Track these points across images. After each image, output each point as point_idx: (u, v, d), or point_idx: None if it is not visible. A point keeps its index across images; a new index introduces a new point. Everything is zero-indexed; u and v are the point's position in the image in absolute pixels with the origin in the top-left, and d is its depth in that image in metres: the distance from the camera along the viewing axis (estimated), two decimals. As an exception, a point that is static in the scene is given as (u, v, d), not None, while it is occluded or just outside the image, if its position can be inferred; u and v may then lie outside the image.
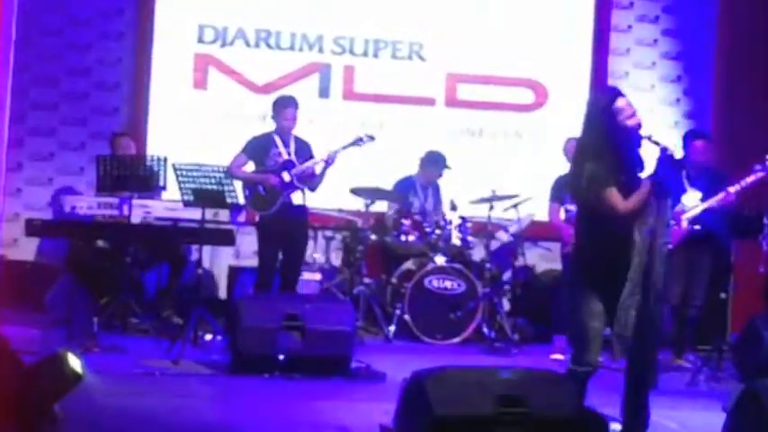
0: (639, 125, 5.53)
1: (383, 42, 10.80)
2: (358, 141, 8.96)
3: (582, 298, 5.54)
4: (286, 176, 8.74)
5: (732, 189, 8.30)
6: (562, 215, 9.24)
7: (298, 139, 8.93)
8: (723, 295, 8.73)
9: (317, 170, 8.83)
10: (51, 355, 5.15)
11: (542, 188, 9.45)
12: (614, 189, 5.45)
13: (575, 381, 5.50)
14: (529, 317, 9.92)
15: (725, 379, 8.01)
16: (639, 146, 5.59)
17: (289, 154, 8.82)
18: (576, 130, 9.58)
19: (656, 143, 5.51)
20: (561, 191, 9.19)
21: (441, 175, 10.08)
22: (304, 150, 8.91)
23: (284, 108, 8.84)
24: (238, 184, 8.59)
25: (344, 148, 8.86)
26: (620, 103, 5.54)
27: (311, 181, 8.84)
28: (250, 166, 8.88)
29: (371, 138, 9.04)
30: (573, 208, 9.07)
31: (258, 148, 8.85)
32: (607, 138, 5.51)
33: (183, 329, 8.05)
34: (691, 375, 8.01)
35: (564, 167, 9.32)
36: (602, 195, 5.44)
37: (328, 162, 8.77)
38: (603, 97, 5.64)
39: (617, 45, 11.08)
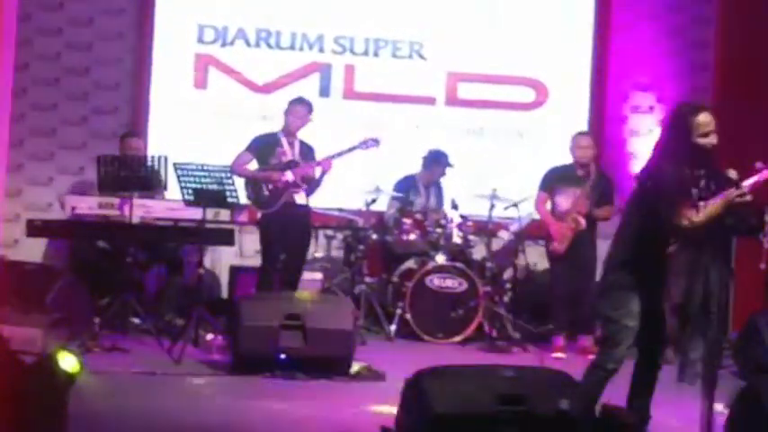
0: (714, 145, 5.49)
1: (383, 41, 10.80)
2: (362, 145, 8.97)
3: (621, 299, 5.55)
4: (289, 175, 8.77)
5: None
6: (548, 206, 9.27)
7: (302, 143, 8.98)
8: (724, 293, 8.72)
9: (317, 173, 8.87)
10: (45, 356, 5.15)
11: (544, 187, 9.44)
12: (687, 201, 5.44)
13: (599, 378, 5.54)
14: (529, 315, 9.91)
15: (725, 376, 8.01)
16: (708, 166, 5.55)
17: (293, 154, 8.85)
18: (578, 127, 9.69)
19: (744, 194, 5.47)
20: (553, 182, 9.23)
21: (444, 174, 10.08)
22: (308, 154, 8.97)
23: (296, 104, 8.94)
24: (240, 183, 8.60)
25: (349, 150, 8.90)
26: (700, 118, 5.50)
27: (311, 184, 8.88)
28: (253, 165, 8.91)
29: (376, 141, 9.04)
30: (566, 203, 9.13)
31: (263, 147, 8.89)
32: (683, 150, 5.49)
33: (184, 329, 8.05)
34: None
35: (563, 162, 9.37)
36: (677, 203, 5.42)
37: (325, 168, 8.81)
38: (686, 109, 5.61)
39: (618, 43, 11.07)
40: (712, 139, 5.49)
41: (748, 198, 5.42)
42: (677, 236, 5.50)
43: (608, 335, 5.69)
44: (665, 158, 5.49)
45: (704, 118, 5.49)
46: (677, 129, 5.49)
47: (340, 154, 8.88)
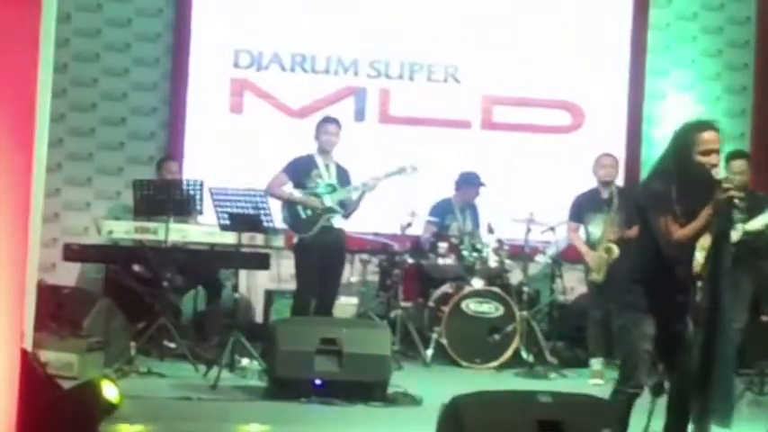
0: (714, 165, 5.40)
1: (418, 65, 10.80)
2: (401, 171, 8.92)
3: (635, 321, 5.46)
4: (327, 200, 8.75)
5: None
6: (582, 235, 9.22)
7: (338, 166, 8.96)
8: (765, 318, 8.64)
9: (354, 196, 8.85)
10: (87, 382, 5.15)
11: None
12: (670, 217, 5.35)
13: (621, 402, 5.45)
14: (567, 340, 9.84)
15: None
16: (707, 184, 5.38)
17: (330, 177, 8.83)
18: (614, 151, 9.64)
19: (726, 189, 5.33)
20: (582, 211, 9.19)
21: (477, 194, 10.05)
22: (343, 177, 8.93)
23: (325, 123, 8.93)
24: (275, 207, 8.58)
25: (387, 176, 8.85)
26: (704, 136, 5.42)
27: (348, 207, 8.86)
28: (289, 187, 8.89)
29: (415, 168, 8.99)
30: (598, 232, 9.06)
31: (299, 169, 8.87)
32: (681, 166, 5.42)
33: (220, 354, 8.04)
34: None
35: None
36: (659, 219, 5.35)
37: (367, 189, 8.78)
38: (690, 126, 5.53)
39: (654, 66, 11.02)
40: (713, 159, 5.37)
41: (733, 194, 5.27)
42: (672, 251, 5.39)
43: (624, 358, 5.62)
44: (655, 176, 5.44)
45: (709, 135, 5.39)
46: (677, 145, 5.43)
47: (377, 179, 8.83)
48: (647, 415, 5.67)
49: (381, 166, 9.07)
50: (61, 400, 5.02)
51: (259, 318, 10.11)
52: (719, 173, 5.41)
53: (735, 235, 8.05)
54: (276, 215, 8.58)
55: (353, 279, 10.00)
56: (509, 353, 9.32)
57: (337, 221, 8.83)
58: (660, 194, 5.34)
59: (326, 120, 9.03)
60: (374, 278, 10.16)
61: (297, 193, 8.82)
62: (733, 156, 8.90)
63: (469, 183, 10.01)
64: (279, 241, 9.11)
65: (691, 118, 5.60)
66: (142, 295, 9.00)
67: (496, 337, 9.34)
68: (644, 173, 10.66)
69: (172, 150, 10.32)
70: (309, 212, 8.75)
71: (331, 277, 8.89)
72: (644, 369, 5.47)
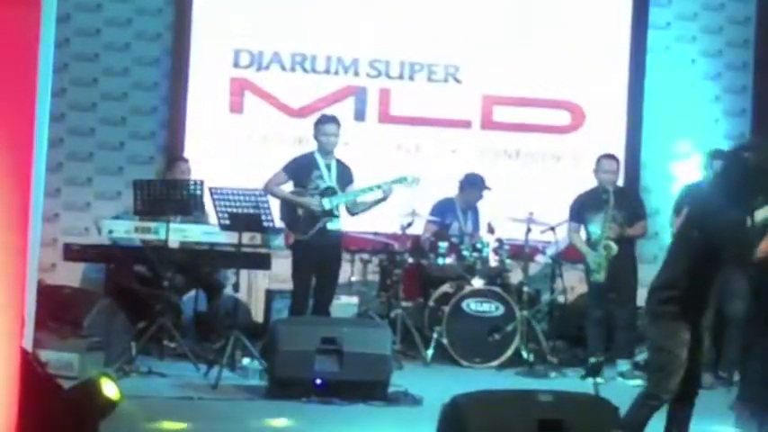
0: None
1: (419, 65, 10.79)
2: (402, 180, 8.90)
3: (673, 330, 5.50)
4: (326, 204, 8.73)
5: None
6: (583, 235, 9.22)
7: (340, 163, 8.94)
8: (764, 316, 8.63)
9: (369, 198, 8.83)
10: (86, 381, 5.15)
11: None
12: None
13: (648, 407, 5.46)
14: (567, 340, 9.85)
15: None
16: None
17: (330, 178, 8.81)
18: (614, 150, 9.64)
19: None
20: (582, 211, 9.20)
21: (481, 197, 10.04)
22: (345, 175, 8.91)
23: (323, 124, 8.88)
24: (274, 205, 8.57)
25: (392, 182, 8.83)
26: None
27: (355, 206, 8.85)
28: (288, 186, 8.88)
29: (417, 180, 8.96)
30: (598, 231, 9.06)
31: (300, 169, 8.85)
32: (757, 192, 5.54)
33: (221, 354, 8.04)
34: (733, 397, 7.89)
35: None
36: (746, 246, 5.47)
37: (385, 197, 8.79)
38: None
39: (654, 65, 11.01)
40: None
41: None
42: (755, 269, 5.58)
43: (661, 365, 5.61)
44: (733, 203, 5.49)
45: None
46: (759, 172, 5.50)
47: (390, 186, 8.80)
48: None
49: (381, 166, 9.08)
50: (61, 400, 5.01)
51: (259, 318, 10.11)
52: None
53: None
54: (275, 213, 8.57)
55: (354, 279, 10.00)
56: (509, 352, 9.32)
57: (334, 225, 8.82)
58: (742, 224, 5.45)
59: (324, 119, 8.95)
60: (375, 278, 10.17)
61: (295, 194, 8.82)
62: (713, 155, 8.88)
63: (474, 185, 9.98)
64: (278, 241, 9.09)
65: (759, 143, 5.74)
66: (143, 295, 9.00)
67: (497, 336, 9.34)
68: (644, 173, 10.71)
69: (171, 150, 10.31)
70: (307, 214, 8.74)
71: (328, 278, 8.88)
72: (678, 376, 5.50)
